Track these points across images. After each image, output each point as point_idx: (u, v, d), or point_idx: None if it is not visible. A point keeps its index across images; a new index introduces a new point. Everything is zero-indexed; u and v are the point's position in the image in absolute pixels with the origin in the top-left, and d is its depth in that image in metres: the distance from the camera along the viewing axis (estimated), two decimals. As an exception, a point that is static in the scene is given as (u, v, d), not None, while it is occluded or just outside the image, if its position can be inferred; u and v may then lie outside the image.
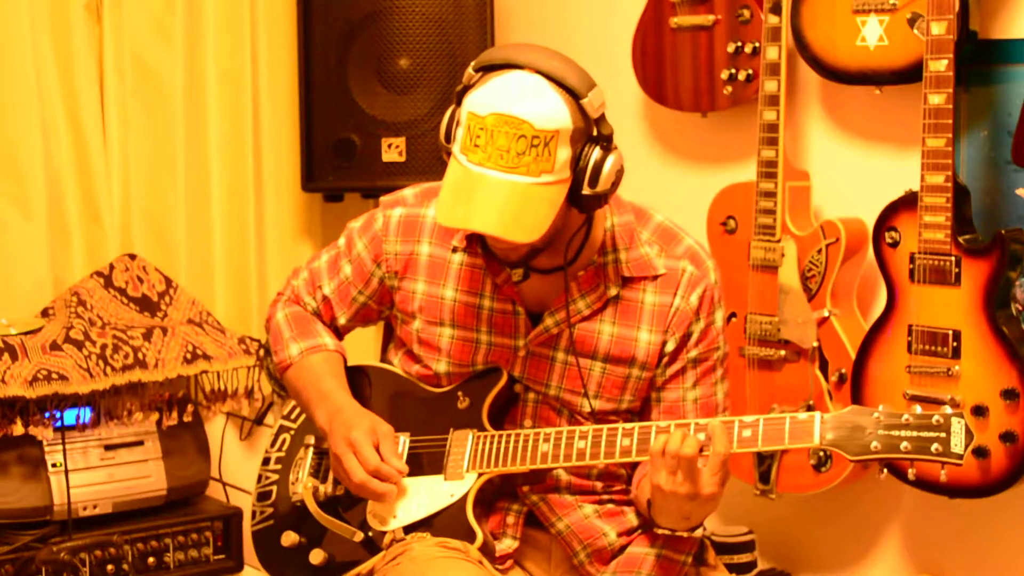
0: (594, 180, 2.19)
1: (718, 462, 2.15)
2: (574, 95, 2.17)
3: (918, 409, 2.09)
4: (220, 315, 3.68)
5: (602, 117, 2.21)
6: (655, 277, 2.36)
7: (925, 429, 2.08)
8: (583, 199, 2.20)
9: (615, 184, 2.23)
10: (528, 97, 2.15)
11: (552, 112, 2.15)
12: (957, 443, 2.06)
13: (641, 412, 2.42)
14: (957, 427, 2.06)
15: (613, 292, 2.35)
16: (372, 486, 2.30)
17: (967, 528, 3.15)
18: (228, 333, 3.50)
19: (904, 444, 2.08)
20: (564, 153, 2.16)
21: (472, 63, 2.24)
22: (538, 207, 2.15)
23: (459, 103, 2.25)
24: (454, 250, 2.41)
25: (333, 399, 2.41)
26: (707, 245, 3.29)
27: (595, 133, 2.20)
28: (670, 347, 2.36)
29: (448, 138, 2.27)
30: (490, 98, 2.16)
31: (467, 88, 2.23)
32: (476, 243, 2.38)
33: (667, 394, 2.38)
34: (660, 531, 2.29)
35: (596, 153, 2.19)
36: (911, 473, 2.88)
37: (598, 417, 2.38)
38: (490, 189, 2.14)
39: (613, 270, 2.35)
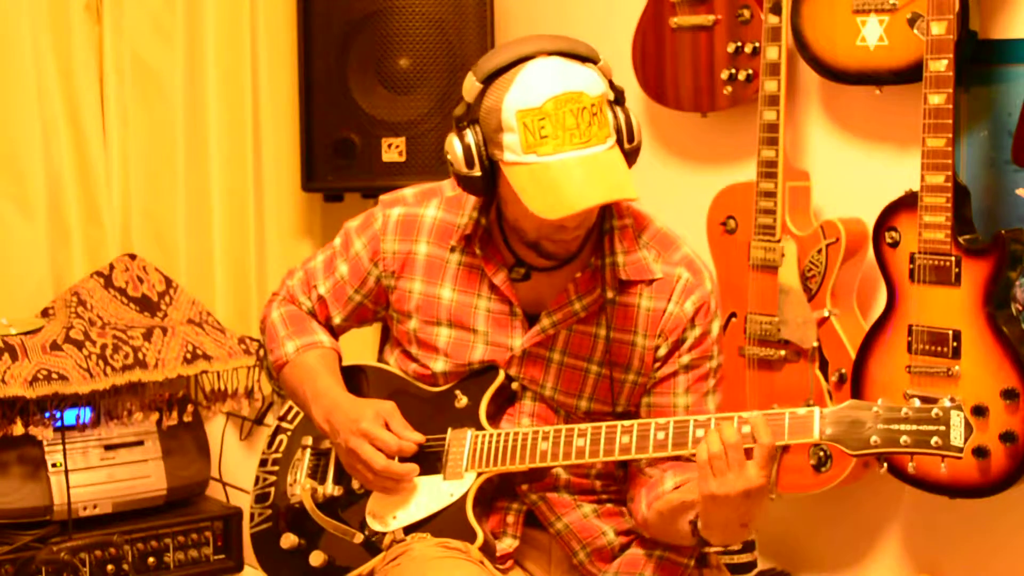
0: (631, 135, 2.25)
1: (765, 454, 2.10)
2: (591, 62, 2.23)
3: (917, 402, 2.09)
4: (220, 315, 3.68)
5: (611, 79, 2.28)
6: (651, 281, 2.35)
7: (924, 422, 2.07)
8: (626, 155, 2.24)
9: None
10: (566, 73, 2.18)
11: (592, 78, 2.20)
12: (956, 436, 2.05)
13: (635, 416, 2.41)
14: (956, 420, 2.05)
15: (610, 295, 2.34)
16: (395, 468, 2.30)
17: (967, 528, 3.14)
18: (228, 333, 3.50)
19: (904, 438, 2.07)
20: (610, 116, 2.22)
21: (471, 76, 2.23)
22: (621, 167, 2.20)
23: (473, 121, 2.23)
24: (452, 250, 2.41)
25: (329, 395, 2.40)
26: (707, 248, 3.31)
27: (614, 94, 2.26)
28: (662, 352, 2.35)
29: (470, 164, 2.24)
30: (534, 88, 2.16)
31: (475, 103, 2.22)
32: (474, 243, 2.38)
33: (656, 399, 2.37)
34: (713, 550, 2.26)
35: (621, 111, 2.25)
36: (911, 467, 2.88)
37: (593, 420, 2.36)
38: (581, 167, 2.15)
39: (610, 273, 2.34)
